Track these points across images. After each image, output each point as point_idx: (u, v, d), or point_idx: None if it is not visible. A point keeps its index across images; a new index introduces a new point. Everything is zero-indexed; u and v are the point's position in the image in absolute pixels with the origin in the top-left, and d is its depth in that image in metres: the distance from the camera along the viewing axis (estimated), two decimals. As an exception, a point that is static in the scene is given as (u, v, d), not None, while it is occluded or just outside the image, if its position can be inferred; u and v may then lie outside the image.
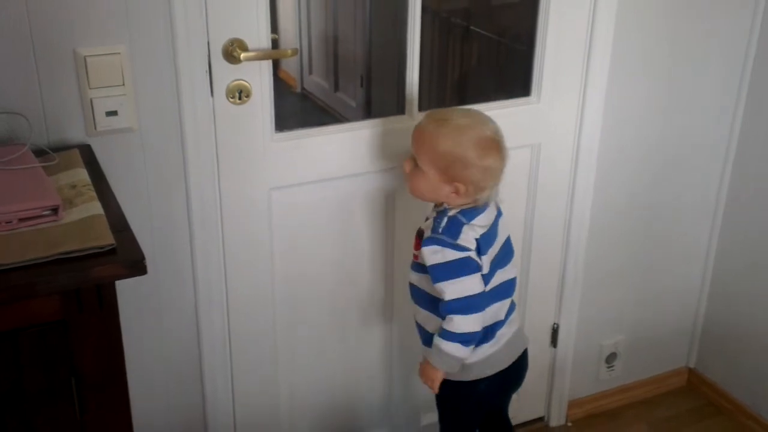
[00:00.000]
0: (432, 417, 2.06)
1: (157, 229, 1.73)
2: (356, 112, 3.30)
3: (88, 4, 1.51)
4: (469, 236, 1.62)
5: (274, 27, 1.74)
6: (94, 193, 1.34)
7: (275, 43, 1.74)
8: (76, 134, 1.59)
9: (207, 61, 1.65)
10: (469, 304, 1.62)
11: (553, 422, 2.46)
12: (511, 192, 1.80)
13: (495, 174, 1.63)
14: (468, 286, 1.62)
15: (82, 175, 1.41)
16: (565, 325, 2.33)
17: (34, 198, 1.25)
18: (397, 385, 2.20)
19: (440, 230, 1.62)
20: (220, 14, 1.63)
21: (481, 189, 1.62)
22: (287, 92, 3.62)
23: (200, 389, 1.93)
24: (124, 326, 1.26)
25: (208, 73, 1.66)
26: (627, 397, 2.56)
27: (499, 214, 1.72)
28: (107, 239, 1.20)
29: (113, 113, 1.59)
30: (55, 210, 1.25)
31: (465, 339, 1.64)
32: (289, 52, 1.75)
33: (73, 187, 1.36)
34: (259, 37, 1.68)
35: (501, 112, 1.73)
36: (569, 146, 2.11)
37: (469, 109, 1.73)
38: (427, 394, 1.78)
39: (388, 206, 1.97)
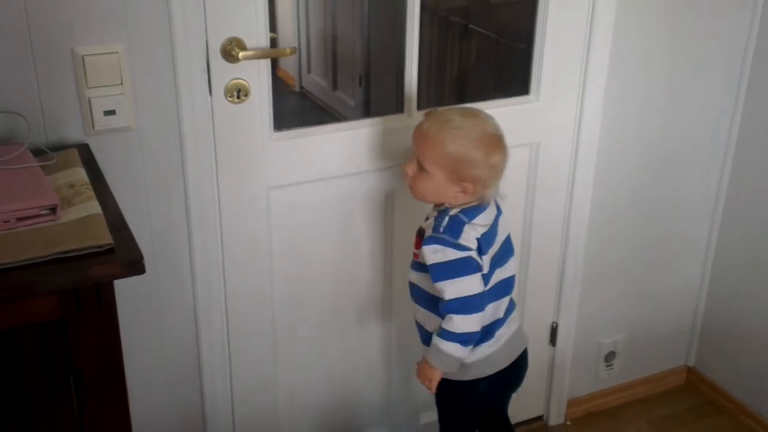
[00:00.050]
0: (431, 416, 2.06)
1: (155, 228, 1.73)
2: (355, 110, 3.30)
3: (86, 4, 1.51)
4: (470, 236, 1.62)
5: (273, 26, 1.74)
6: (92, 193, 1.34)
7: (274, 42, 1.73)
8: (74, 133, 1.59)
9: (205, 60, 1.65)
10: (469, 304, 1.62)
11: (552, 421, 2.46)
12: (510, 190, 1.80)
13: (500, 171, 1.64)
14: (468, 285, 1.62)
15: (81, 174, 1.41)
16: (564, 323, 2.33)
17: (33, 197, 1.25)
18: (397, 384, 2.20)
19: (441, 229, 1.62)
20: (218, 13, 1.63)
21: (487, 187, 1.63)
22: (286, 91, 3.62)
23: (199, 388, 1.93)
24: (123, 325, 1.26)
25: (206, 72, 1.66)
26: (626, 395, 2.56)
27: (499, 212, 1.72)
28: (105, 239, 1.20)
29: (111, 112, 1.59)
30: (53, 209, 1.25)
31: (464, 339, 1.64)
32: (288, 50, 1.75)
33: (72, 186, 1.36)
34: (257, 35, 1.68)
35: (500, 111, 1.73)
36: (568, 144, 2.11)
37: (467, 108, 1.73)
38: (427, 393, 1.78)
39: (388, 205, 1.97)
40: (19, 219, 1.22)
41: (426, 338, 1.74)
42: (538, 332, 2.30)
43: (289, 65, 3.68)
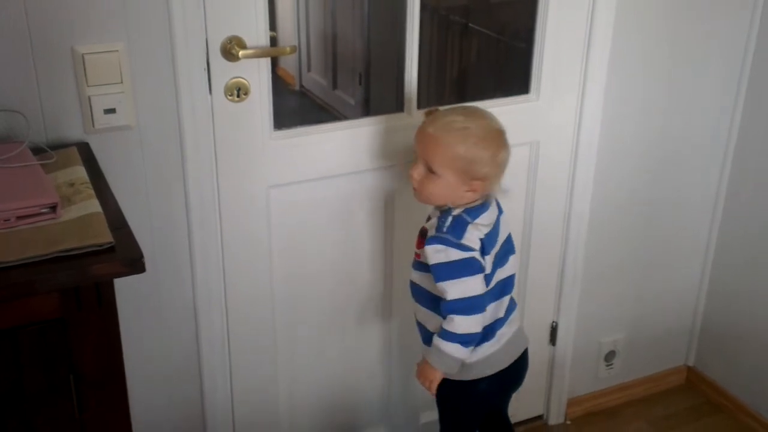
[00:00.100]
0: (431, 415, 2.06)
1: (155, 227, 1.73)
2: (355, 109, 3.30)
3: (86, 2, 1.51)
4: (473, 236, 1.62)
5: (273, 24, 1.74)
6: (92, 191, 1.34)
7: (274, 41, 1.73)
8: (74, 132, 1.58)
9: (205, 59, 1.65)
10: (470, 305, 1.62)
11: (552, 420, 2.46)
12: (510, 189, 1.80)
13: (505, 167, 1.65)
14: (471, 286, 1.62)
15: (81, 173, 1.41)
16: (564, 323, 2.33)
17: (33, 196, 1.25)
18: (397, 384, 2.20)
19: (444, 229, 1.62)
20: (218, 12, 1.63)
21: (493, 183, 1.64)
22: (286, 90, 3.62)
23: (199, 387, 1.93)
24: (123, 324, 1.26)
25: (206, 71, 1.66)
26: (626, 395, 2.56)
27: (500, 211, 1.72)
28: (106, 237, 1.20)
29: (111, 111, 1.59)
30: (53, 208, 1.25)
31: (465, 340, 1.64)
32: (288, 49, 1.75)
33: (72, 185, 1.36)
34: (257, 34, 1.68)
35: (500, 110, 1.72)
36: (568, 143, 2.11)
37: (468, 107, 1.73)
38: (426, 393, 1.78)
39: (388, 204, 1.97)
40: (19, 217, 1.22)
41: (427, 338, 1.74)
42: (538, 332, 2.30)
43: (289, 64, 3.68)
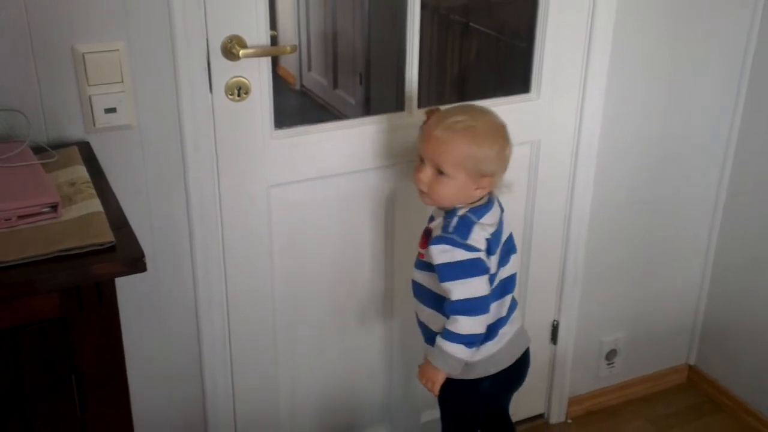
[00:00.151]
0: (432, 414, 2.06)
1: (156, 226, 1.73)
2: (355, 109, 3.30)
3: (86, 1, 1.51)
4: (480, 236, 1.62)
5: (273, 24, 1.74)
6: (93, 191, 1.34)
7: (274, 40, 1.73)
8: (75, 131, 1.58)
9: (206, 58, 1.65)
10: (475, 306, 1.62)
11: (553, 419, 2.46)
12: (513, 183, 1.80)
13: (509, 161, 1.66)
14: (476, 287, 1.61)
15: (81, 172, 1.41)
16: (565, 322, 2.33)
17: (34, 195, 1.25)
18: (398, 383, 2.20)
19: (450, 229, 1.62)
20: (218, 11, 1.63)
21: (499, 179, 1.66)
22: (286, 89, 3.63)
23: (200, 386, 1.93)
24: (124, 324, 1.26)
25: (207, 70, 1.66)
26: (627, 394, 2.56)
27: (502, 210, 1.72)
28: (107, 236, 1.20)
29: (112, 110, 1.59)
30: (54, 207, 1.25)
31: (469, 340, 1.64)
32: (288, 49, 1.75)
33: (72, 184, 1.36)
34: (258, 33, 1.68)
35: (500, 109, 1.72)
36: (569, 142, 2.11)
37: (468, 105, 1.74)
38: (428, 391, 1.77)
39: (388, 203, 1.97)
40: (20, 217, 1.22)
41: (430, 338, 1.74)
42: (539, 331, 2.30)
43: (289, 63, 3.68)
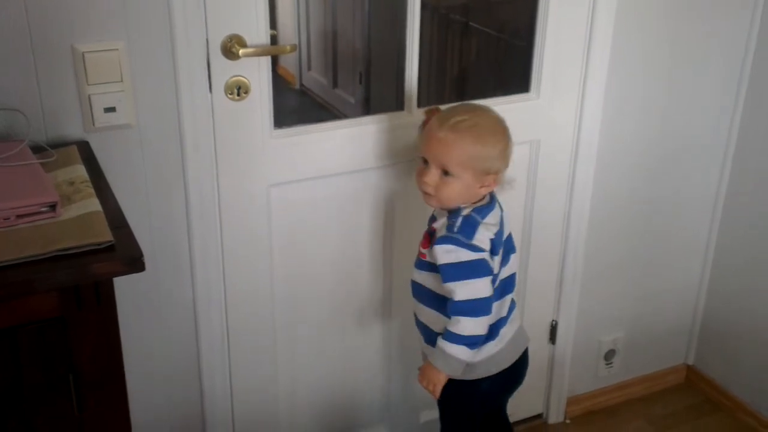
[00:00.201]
0: (431, 414, 2.06)
1: (155, 225, 1.73)
2: (355, 108, 3.30)
3: (86, 1, 1.51)
4: (484, 236, 1.62)
5: (273, 23, 1.74)
6: (92, 190, 1.34)
7: (274, 40, 1.73)
8: (74, 131, 1.58)
9: (206, 58, 1.65)
10: (478, 307, 1.61)
11: (552, 419, 2.46)
12: (512, 184, 1.80)
13: (511, 158, 1.67)
14: (479, 288, 1.61)
15: (80, 171, 1.41)
16: (563, 321, 2.33)
17: (32, 195, 1.25)
18: (397, 383, 2.20)
19: (455, 230, 1.61)
20: (218, 10, 1.63)
21: (501, 177, 1.66)
22: (286, 89, 3.63)
23: (198, 386, 1.93)
24: (122, 323, 1.26)
25: (206, 70, 1.66)
26: (625, 394, 2.56)
27: (501, 210, 1.72)
28: (105, 236, 1.19)
29: (111, 109, 1.59)
30: (53, 207, 1.25)
31: (471, 342, 1.63)
32: (288, 48, 1.75)
33: (71, 183, 1.36)
34: (257, 33, 1.68)
35: (500, 108, 1.72)
36: (569, 141, 2.11)
37: (468, 104, 1.73)
38: (427, 392, 1.77)
39: (388, 202, 1.97)
40: (18, 216, 1.22)
41: (431, 338, 1.73)
42: (538, 330, 2.30)
43: (289, 63, 3.68)
